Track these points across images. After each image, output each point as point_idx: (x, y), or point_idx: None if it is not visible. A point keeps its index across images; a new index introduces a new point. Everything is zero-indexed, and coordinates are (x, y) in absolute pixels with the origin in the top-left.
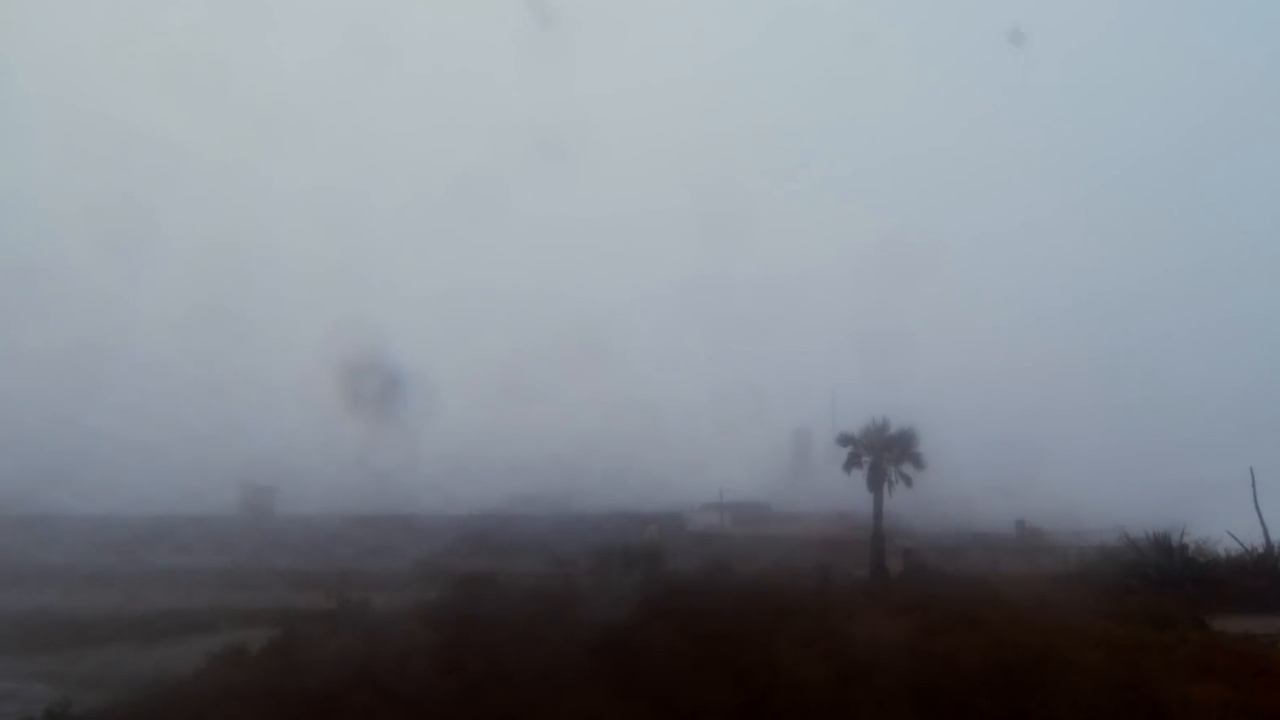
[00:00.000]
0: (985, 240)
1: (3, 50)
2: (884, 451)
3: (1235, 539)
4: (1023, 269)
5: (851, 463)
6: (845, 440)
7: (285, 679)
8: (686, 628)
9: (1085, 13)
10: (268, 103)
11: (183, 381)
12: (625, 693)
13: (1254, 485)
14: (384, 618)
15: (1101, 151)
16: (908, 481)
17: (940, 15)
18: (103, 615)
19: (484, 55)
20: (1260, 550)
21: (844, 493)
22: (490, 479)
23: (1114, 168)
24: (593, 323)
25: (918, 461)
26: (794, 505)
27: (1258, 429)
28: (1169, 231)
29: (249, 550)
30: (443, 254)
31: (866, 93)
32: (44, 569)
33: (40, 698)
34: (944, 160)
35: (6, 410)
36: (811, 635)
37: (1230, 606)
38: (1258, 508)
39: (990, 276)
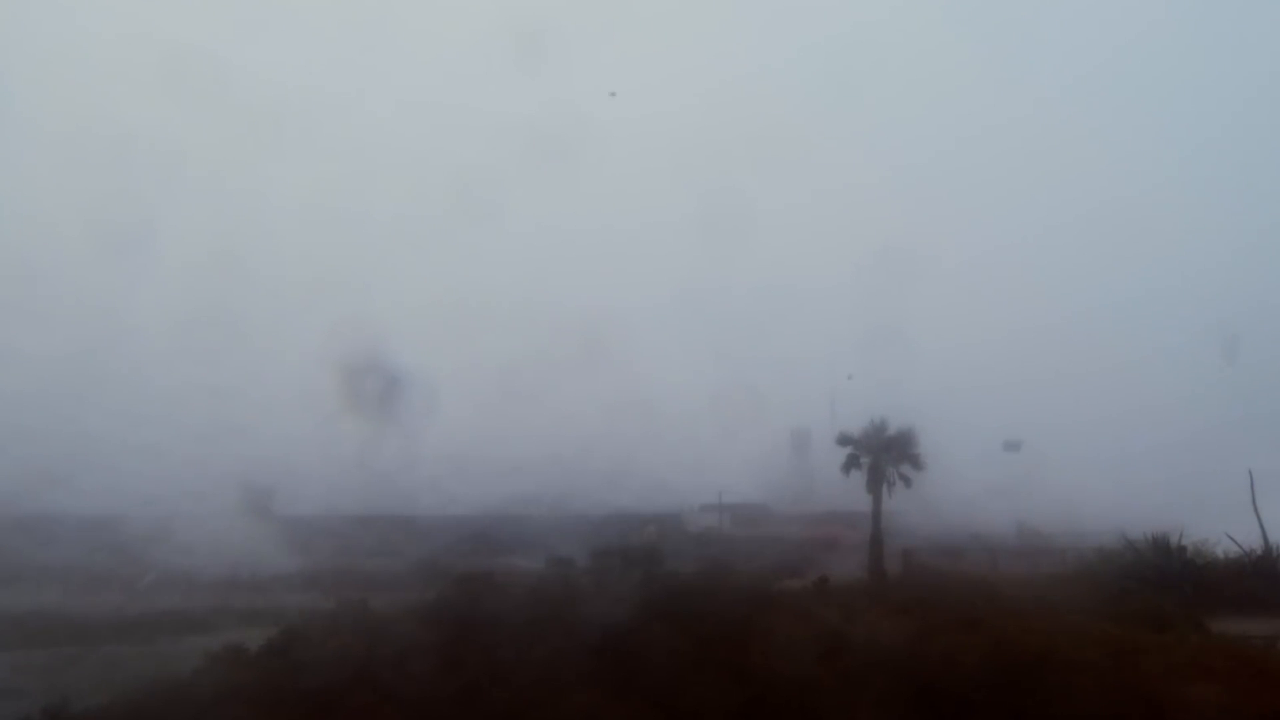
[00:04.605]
0: (985, 243)
1: (3, 51)
2: (883, 452)
3: (1234, 541)
4: (1022, 272)
5: (850, 463)
6: (844, 441)
7: (284, 679)
8: (686, 628)
9: (1086, 17)
10: (267, 104)
11: (182, 383)
12: (625, 693)
13: (1252, 487)
14: (384, 618)
15: (1102, 155)
16: (907, 482)
17: (941, 21)
18: (103, 615)
19: (484, 57)
20: (1258, 552)
21: (843, 494)
22: (490, 479)
23: (1115, 172)
24: (592, 324)
25: (916, 462)
26: (793, 506)
27: (1257, 431)
28: (1168, 235)
29: (248, 551)
30: (443, 255)
31: (865, 97)
32: (44, 569)
33: (38, 697)
34: (944, 165)
35: (6, 411)
36: (811, 636)
37: (1228, 608)
38: (1256, 510)
39: (990, 279)
